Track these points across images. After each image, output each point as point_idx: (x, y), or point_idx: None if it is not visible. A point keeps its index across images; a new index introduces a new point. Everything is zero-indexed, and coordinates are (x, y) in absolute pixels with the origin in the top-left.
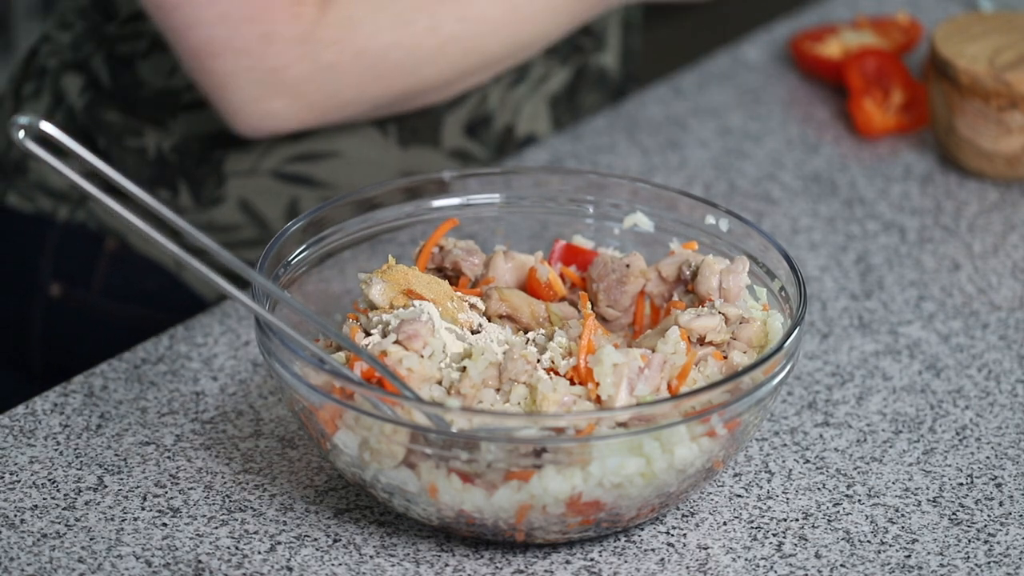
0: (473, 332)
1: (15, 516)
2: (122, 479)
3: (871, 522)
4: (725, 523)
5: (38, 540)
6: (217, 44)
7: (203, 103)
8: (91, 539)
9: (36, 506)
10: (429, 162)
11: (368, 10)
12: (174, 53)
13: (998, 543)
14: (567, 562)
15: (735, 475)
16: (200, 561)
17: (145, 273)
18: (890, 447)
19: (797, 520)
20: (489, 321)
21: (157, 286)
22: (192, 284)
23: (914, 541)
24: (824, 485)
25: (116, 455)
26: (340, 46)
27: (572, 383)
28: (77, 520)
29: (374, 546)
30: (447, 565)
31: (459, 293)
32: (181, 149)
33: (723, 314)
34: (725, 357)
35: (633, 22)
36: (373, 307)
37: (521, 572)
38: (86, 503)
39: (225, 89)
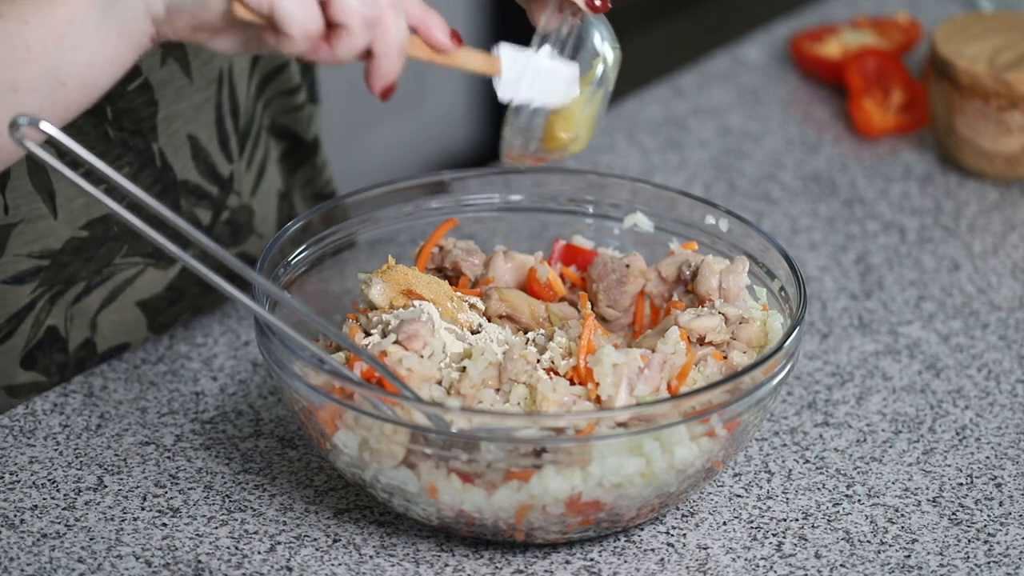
0: (473, 332)
1: (15, 516)
2: (122, 479)
3: (871, 522)
4: (725, 523)
5: (38, 540)
6: None
7: None
8: (91, 539)
9: (36, 506)
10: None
11: None
12: None
13: (998, 543)
14: (567, 562)
15: (735, 475)
16: (200, 561)
17: None
18: (890, 447)
19: (797, 520)
20: (489, 321)
21: None
22: None
23: (914, 541)
24: (824, 485)
25: (116, 455)
26: None
27: (572, 383)
28: (77, 520)
29: (374, 546)
30: (447, 565)
31: (459, 293)
32: None
33: (723, 314)
34: (725, 357)
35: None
36: (373, 307)
37: (521, 572)
38: (86, 503)
39: None
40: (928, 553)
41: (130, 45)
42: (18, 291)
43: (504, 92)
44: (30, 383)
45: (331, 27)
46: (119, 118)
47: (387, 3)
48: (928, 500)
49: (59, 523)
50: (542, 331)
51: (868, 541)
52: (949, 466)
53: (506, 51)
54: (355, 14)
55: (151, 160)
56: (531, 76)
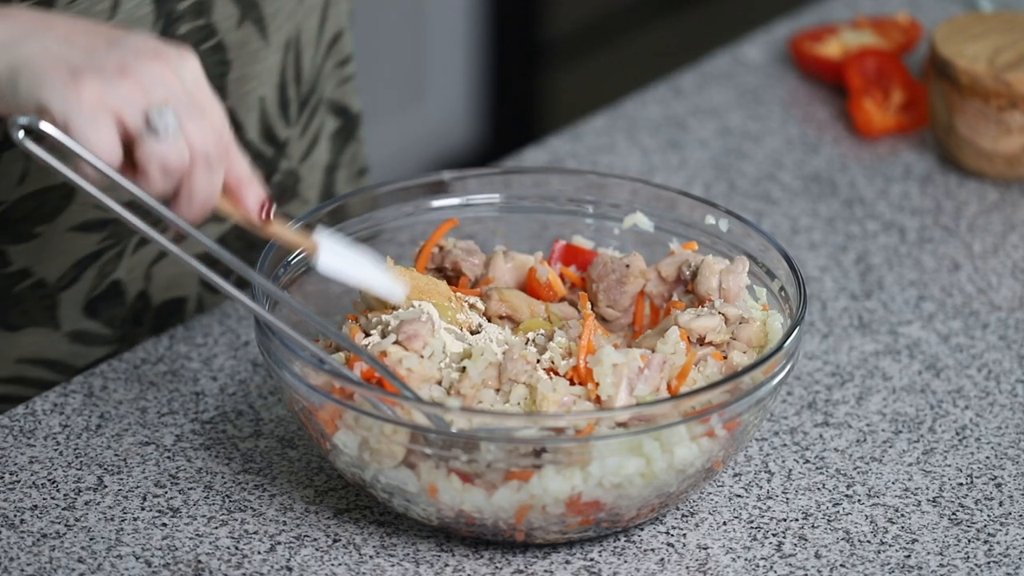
0: (473, 332)
1: (15, 516)
2: (122, 479)
3: (871, 522)
4: (725, 523)
5: (38, 540)
6: None
7: None
8: (91, 539)
9: (36, 506)
10: (47, 345)
11: None
12: None
13: (998, 543)
14: (567, 562)
15: (735, 475)
16: (200, 561)
17: None
18: (890, 447)
19: (797, 520)
20: (489, 321)
21: None
22: None
23: (914, 541)
24: (824, 485)
25: (116, 455)
26: None
27: (572, 383)
28: (77, 520)
29: (374, 546)
30: (447, 565)
31: (458, 293)
32: None
33: (723, 314)
34: (725, 357)
35: (360, 171)
36: (371, 309)
37: (521, 572)
38: (86, 503)
39: None
40: (928, 553)
41: None
42: (85, 239)
43: (321, 269)
44: (93, 332)
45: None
46: None
47: (201, 156)
48: (928, 500)
49: (59, 523)
50: (542, 331)
51: (868, 541)
52: (949, 466)
53: (325, 238)
54: (154, 161)
55: None
56: (350, 265)
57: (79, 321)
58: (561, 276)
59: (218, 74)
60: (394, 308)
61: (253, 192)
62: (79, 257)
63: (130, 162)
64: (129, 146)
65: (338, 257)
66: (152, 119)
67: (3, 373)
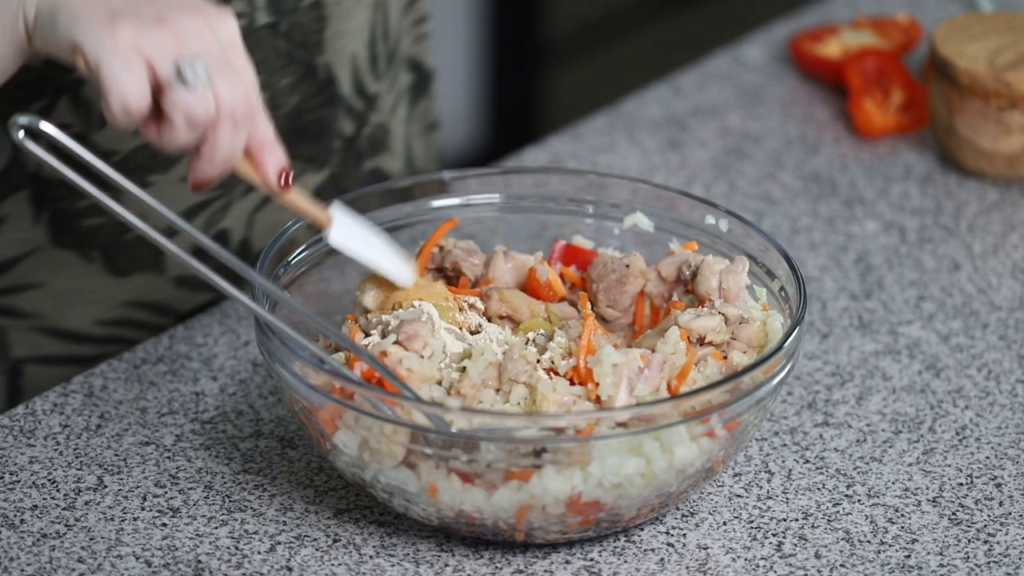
0: (472, 332)
1: (15, 516)
2: (122, 479)
3: (871, 522)
4: (725, 523)
5: (38, 540)
6: None
7: None
8: (91, 539)
9: (36, 506)
10: (154, 289)
11: None
12: None
13: (998, 543)
14: (567, 562)
15: (735, 475)
16: (200, 561)
17: None
18: (890, 447)
19: (797, 520)
20: (489, 321)
21: None
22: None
23: (914, 541)
24: (824, 485)
25: (116, 455)
26: None
27: (572, 383)
28: (77, 520)
29: (374, 546)
30: (447, 565)
31: (458, 295)
32: None
33: (723, 314)
34: (725, 357)
35: (431, 125)
36: (368, 312)
37: (521, 572)
38: (86, 503)
39: None
40: (928, 553)
41: (12, 46)
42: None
43: (332, 242)
44: (197, 278)
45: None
46: (290, 32)
47: (228, 113)
48: (928, 500)
49: (59, 523)
50: (542, 331)
51: (868, 541)
52: (949, 466)
53: (340, 212)
54: (181, 111)
55: (312, 72)
56: (361, 243)
57: (185, 267)
58: (561, 276)
59: (316, 30)
60: (369, 310)
61: (275, 157)
62: (189, 205)
63: (157, 113)
64: (158, 95)
65: (350, 233)
66: (183, 69)
67: (111, 316)
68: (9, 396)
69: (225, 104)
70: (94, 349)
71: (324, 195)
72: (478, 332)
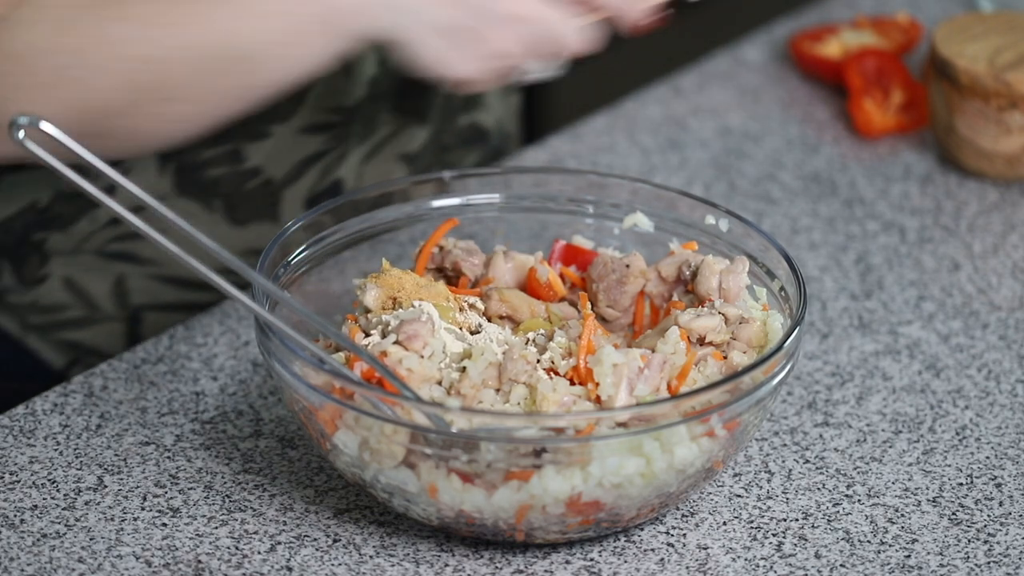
0: (472, 332)
1: (15, 516)
2: (122, 479)
3: (871, 522)
4: (725, 523)
5: (38, 540)
6: None
7: (17, 183)
8: (91, 539)
9: (36, 506)
10: (268, 237)
11: (28, 10)
12: None
13: (998, 543)
14: (567, 562)
15: (735, 475)
16: (200, 561)
17: None
18: (890, 447)
19: (797, 520)
20: (489, 321)
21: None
22: (38, 351)
23: (914, 541)
24: (824, 485)
25: (116, 455)
26: None
27: (572, 383)
28: (77, 520)
29: (374, 546)
30: (447, 565)
31: (458, 295)
32: (2, 228)
33: (723, 314)
34: (725, 357)
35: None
36: (368, 311)
37: (521, 572)
38: (86, 503)
39: None
40: (928, 553)
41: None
42: (311, 140)
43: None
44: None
45: None
46: None
47: None
48: (928, 500)
49: (59, 523)
50: (542, 331)
51: (868, 541)
52: (949, 466)
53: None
54: None
55: None
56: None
57: (297, 215)
58: (561, 276)
59: None
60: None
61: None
62: (305, 155)
63: None
64: None
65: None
66: None
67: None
68: (128, 343)
69: None
70: (210, 297)
71: (425, 155)
72: (478, 332)
